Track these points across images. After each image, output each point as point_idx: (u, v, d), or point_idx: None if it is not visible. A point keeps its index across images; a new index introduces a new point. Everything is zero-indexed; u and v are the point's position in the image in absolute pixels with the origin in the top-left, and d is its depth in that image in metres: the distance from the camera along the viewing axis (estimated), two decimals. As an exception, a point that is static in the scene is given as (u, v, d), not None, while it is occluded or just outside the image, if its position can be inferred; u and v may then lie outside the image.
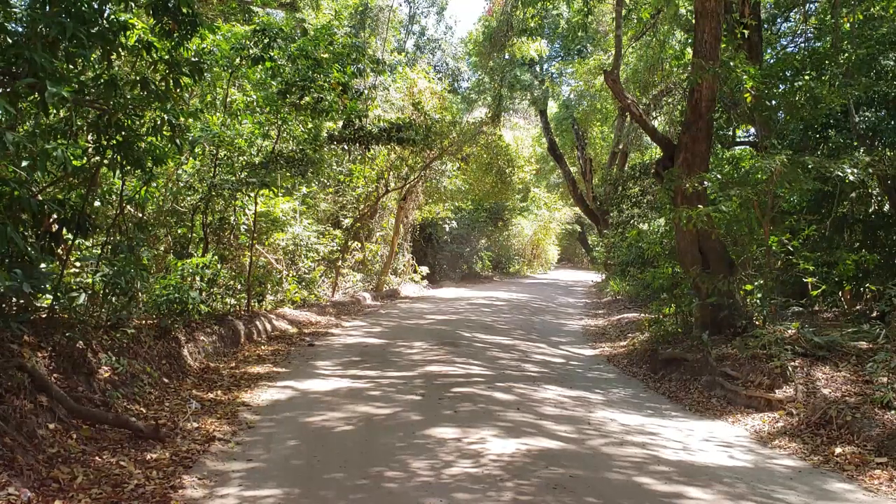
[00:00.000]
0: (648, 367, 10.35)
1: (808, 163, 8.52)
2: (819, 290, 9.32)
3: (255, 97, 11.59)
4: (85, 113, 6.31)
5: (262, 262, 13.58)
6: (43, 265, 6.01)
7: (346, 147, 16.98)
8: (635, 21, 17.07)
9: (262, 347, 10.29)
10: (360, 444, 5.84)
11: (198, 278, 9.45)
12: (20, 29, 5.48)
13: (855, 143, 10.90)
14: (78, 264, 7.73)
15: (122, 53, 6.75)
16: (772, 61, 13.78)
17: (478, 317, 16.06)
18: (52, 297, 6.24)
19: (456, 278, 27.88)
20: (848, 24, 12.35)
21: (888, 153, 9.58)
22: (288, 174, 12.82)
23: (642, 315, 14.64)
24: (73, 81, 5.80)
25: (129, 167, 6.53)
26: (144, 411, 6.16)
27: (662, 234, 14.31)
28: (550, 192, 40.32)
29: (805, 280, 9.49)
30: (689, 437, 6.67)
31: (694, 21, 10.64)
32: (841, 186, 10.41)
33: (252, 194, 11.61)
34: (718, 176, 9.32)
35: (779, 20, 16.67)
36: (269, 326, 11.54)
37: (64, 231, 6.29)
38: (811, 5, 15.67)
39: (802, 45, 15.44)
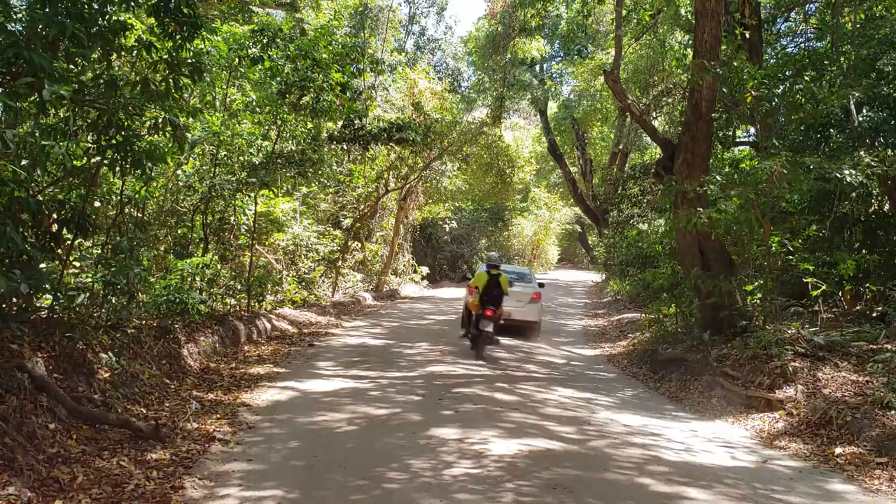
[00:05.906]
0: (649, 367, 10.34)
1: (809, 163, 8.50)
2: (819, 291, 9.30)
3: (254, 97, 11.59)
4: (85, 113, 6.30)
5: (262, 263, 13.57)
6: (43, 265, 6.00)
7: (345, 147, 16.97)
8: (635, 21, 17.07)
9: (263, 348, 10.28)
10: (360, 444, 5.83)
11: (198, 278, 9.44)
12: (20, 29, 5.46)
13: (855, 144, 10.88)
14: (78, 264, 7.72)
15: (122, 53, 6.73)
16: (772, 61, 13.77)
17: (478, 317, 16.02)
18: (51, 297, 6.22)
19: (456, 278, 27.87)
20: (850, 25, 12.34)
21: (889, 153, 9.57)
22: (288, 174, 12.81)
23: (642, 315, 14.64)
24: (73, 81, 5.78)
25: (129, 167, 6.52)
26: (144, 412, 6.15)
27: (662, 233, 14.30)
28: (550, 192, 40.35)
29: (805, 280, 9.49)
30: (689, 437, 6.67)
31: (694, 21, 10.64)
32: (841, 187, 10.39)
33: (252, 194, 11.61)
34: (719, 177, 9.32)
35: (779, 20, 16.66)
36: (269, 326, 11.53)
37: (64, 231, 6.27)
38: (811, 5, 15.67)
39: (802, 45, 15.45)
